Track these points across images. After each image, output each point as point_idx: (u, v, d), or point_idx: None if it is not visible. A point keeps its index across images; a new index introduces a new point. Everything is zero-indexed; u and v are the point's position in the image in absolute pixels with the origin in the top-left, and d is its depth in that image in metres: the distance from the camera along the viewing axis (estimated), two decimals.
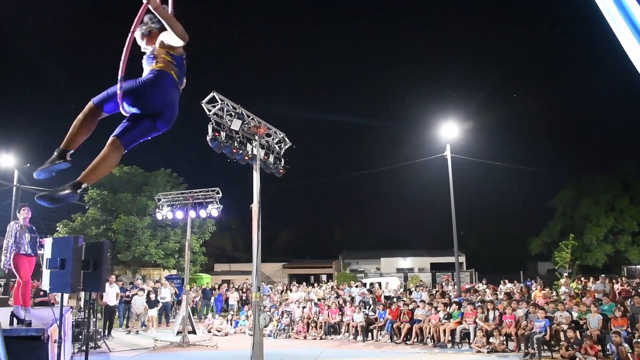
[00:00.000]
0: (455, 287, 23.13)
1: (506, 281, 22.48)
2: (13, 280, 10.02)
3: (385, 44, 76.87)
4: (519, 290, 19.97)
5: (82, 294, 13.18)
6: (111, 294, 15.98)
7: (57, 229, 26.19)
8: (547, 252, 33.53)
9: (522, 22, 68.79)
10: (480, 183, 48.45)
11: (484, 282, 23.90)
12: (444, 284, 26.15)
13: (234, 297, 21.61)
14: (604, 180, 32.87)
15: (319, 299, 19.07)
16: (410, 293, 19.39)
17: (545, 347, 11.92)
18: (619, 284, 19.34)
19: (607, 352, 10.72)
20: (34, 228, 7.61)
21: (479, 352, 12.48)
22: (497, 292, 19.68)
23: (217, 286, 24.47)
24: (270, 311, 17.15)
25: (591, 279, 20.42)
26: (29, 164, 24.67)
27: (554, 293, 19.04)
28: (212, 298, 22.14)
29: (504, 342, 12.68)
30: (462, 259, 42.24)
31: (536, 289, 19.19)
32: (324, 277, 36.69)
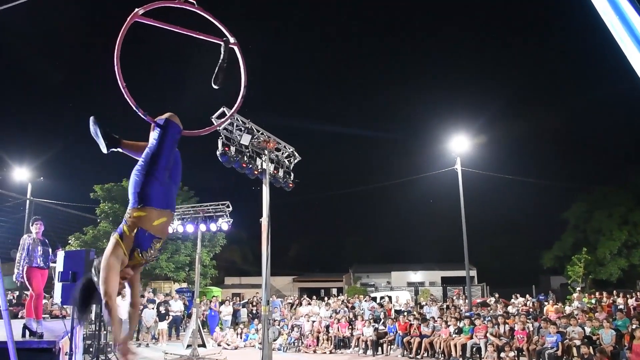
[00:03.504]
0: (467, 301, 22.95)
1: (518, 295, 22.23)
2: (26, 292, 10.14)
3: (395, 57, 77.15)
4: (531, 305, 19.73)
5: (94, 307, 13.26)
6: (123, 308, 15.97)
7: (70, 241, 26.42)
8: (560, 266, 33.12)
9: (533, 36, 68.76)
10: (491, 196, 48.05)
11: (496, 296, 23.69)
12: (454, 298, 25.94)
13: (226, 312, 20.43)
14: (617, 193, 32.50)
15: (333, 311, 18.89)
16: (421, 307, 19.26)
17: None
18: (634, 299, 19.08)
19: None
20: (46, 241, 7.71)
21: None
22: (510, 306, 19.49)
23: (205, 301, 23.32)
24: (280, 325, 17.12)
25: (604, 293, 20.18)
26: (42, 178, 25.03)
27: (567, 308, 18.81)
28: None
29: (516, 357, 12.54)
30: (473, 272, 41.86)
31: (549, 304, 18.98)
32: (334, 291, 36.59)
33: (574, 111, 57.26)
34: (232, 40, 3.57)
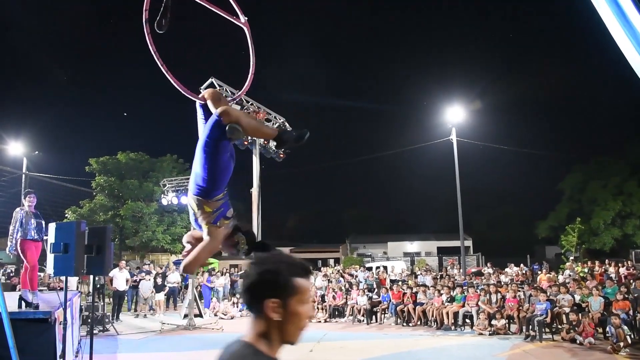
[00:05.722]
0: (461, 270, 23.25)
1: (512, 265, 22.47)
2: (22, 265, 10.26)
3: (391, 29, 76.19)
4: (522, 274, 19.99)
5: (91, 279, 13.40)
6: (121, 279, 16.20)
7: (66, 215, 26.53)
8: (555, 236, 33.48)
9: (529, 4, 67.80)
10: (487, 166, 48.38)
11: (489, 265, 23.97)
12: (449, 267, 26.25)
13: (218, 283, 19.98)
14: (612, 163, 32.65)
15: (328, 281, 19.09)
16: (416, 277, 19.52)
17: (547, 330, 12.00)
18: (625, 267, 19.33)
19: (608, 335, 10.79)
20: (39, 214, 7.74)
21: (480, 334, 12.61)
22: (503, 275, 19.73)
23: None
24: None
25: (597, 262, 20.43)
26: (37, 152, 24.97)
27: (560, 277, 19.05)
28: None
29: (506, 325, 12.78)
30: (469, 242, 42.27)
31: (542, 273, 19.21)
32: (331, 262, 36.90)
33: (570, 82, 56.95)
34: (242, 19, 3.33)
